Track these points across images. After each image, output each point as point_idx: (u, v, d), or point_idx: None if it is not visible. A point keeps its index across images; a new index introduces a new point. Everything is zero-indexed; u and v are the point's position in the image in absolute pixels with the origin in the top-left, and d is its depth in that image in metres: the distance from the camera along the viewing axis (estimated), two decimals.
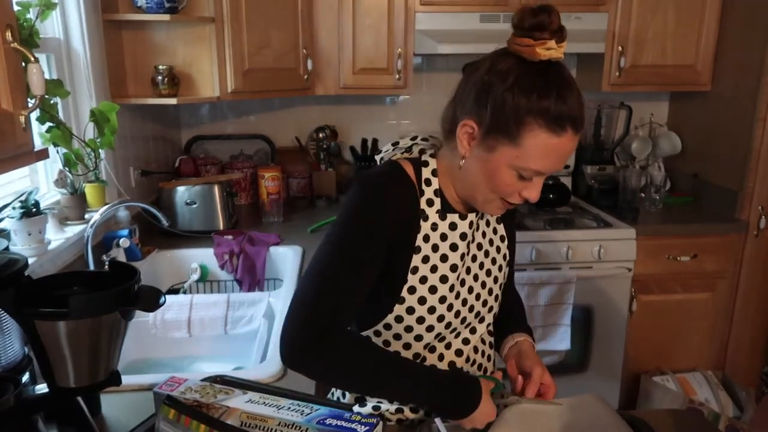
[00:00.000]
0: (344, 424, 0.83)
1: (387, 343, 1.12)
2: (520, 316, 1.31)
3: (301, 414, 0.85)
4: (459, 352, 1.16)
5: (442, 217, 1.08)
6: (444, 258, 1.08)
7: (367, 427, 0.82)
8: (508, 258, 1.21)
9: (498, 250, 1.19)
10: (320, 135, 2.79)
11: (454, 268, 1.09)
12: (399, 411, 1.15)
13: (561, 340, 2.39)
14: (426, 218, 1.07)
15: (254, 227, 2.36)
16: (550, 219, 2.55)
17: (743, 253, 2.52)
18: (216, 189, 2.28)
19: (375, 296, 1.06)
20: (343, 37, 2.47)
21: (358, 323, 1.14)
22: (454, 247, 1.09)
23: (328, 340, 0.97)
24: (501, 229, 1.20)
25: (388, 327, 1.10)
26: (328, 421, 0.83)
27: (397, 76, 2.50)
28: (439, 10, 2.44)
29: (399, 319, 1.08)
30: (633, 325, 2.53)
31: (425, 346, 1.12)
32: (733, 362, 2.65)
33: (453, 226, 1.09)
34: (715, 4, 2.54)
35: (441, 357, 1.15)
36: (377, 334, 1.12)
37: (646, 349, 2.59)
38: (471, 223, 1.11)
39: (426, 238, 1.07)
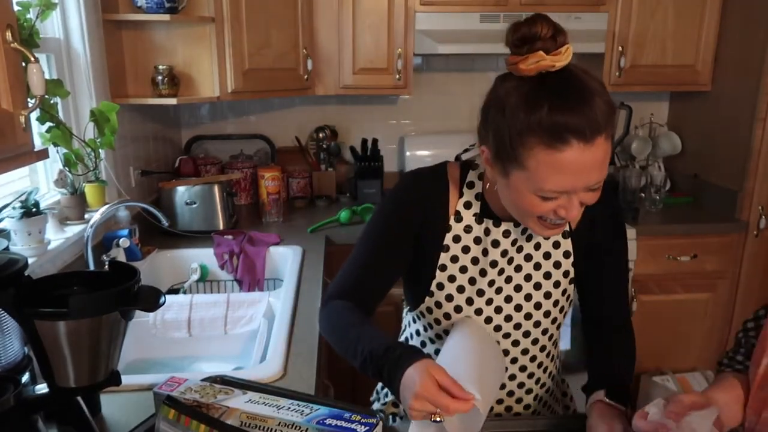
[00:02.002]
0: (344, 424, 0.83)
1: (428, 326, 1.16)
2: (614, 366, 1.16)
3: (301, 414, 0.85)
4: None
5: (479, 221, 1.07)
6: (475, 261, 1.08)
7: (367, 427, 0.82)
8: (572, 276, 1.11)
9: (557, 265, 1.10)
10: (320, 135, 2.79)
11: (483, 272, 1.08)
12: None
13: (561, 340, 2.38)
14: (460, 219, 1.07)
15: (254, 227, 2.36)
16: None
17: (743, 253, 2.52)
18: (216, 189, 2.28)
19: (410, 284, 1.15)
20: (343, 37, 2.47)
21: (408, 304, 1.20)
22: (485, 252, 1.07)
23: (328, 304, 1.07)
24: (567, 245, 1.10)
25: (422, 315, 1.15)
26: (328, 421, 0.83)
27: (397, 76, 2.50)
28: (439, 10, 2.44)
29: (429, 310, 1.12)
30: (633, 325, 2.52)
31: None
32: None
33: (487, 232, 1.07)
34: (715, 4, 2.54)
35: None
36: (417, 318, 1.18)
37: (646, 349, 2.57)
38: (507, 232, 1.06)
39: (456, 239, 1.08)
